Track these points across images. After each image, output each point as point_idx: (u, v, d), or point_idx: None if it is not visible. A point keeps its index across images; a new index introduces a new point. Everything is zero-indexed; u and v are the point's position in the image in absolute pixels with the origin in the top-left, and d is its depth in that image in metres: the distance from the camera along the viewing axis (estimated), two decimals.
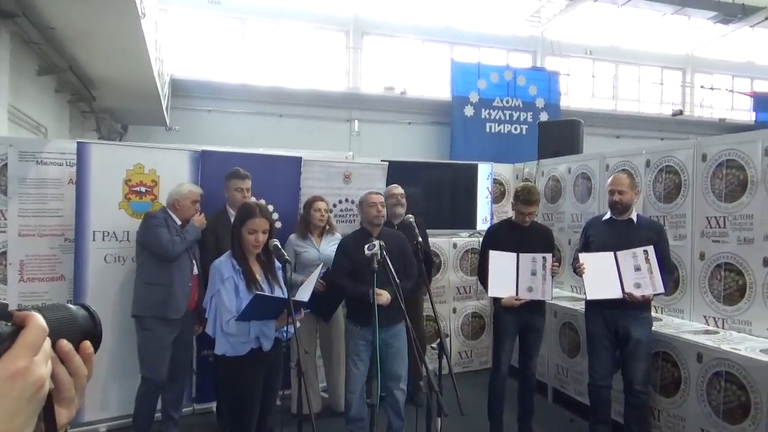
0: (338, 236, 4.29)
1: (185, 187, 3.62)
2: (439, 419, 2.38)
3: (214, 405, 4.18)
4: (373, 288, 2.53)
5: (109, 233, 3.84)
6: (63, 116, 7.14)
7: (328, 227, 4.20)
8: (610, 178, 3.64)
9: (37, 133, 5.80)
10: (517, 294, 3.63)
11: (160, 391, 3.53)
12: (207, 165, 4.20)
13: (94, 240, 3.83)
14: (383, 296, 3.27)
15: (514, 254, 3.66)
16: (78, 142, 3.80)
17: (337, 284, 3.66)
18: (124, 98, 8.17)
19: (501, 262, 3.66)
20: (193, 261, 3.58)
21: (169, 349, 3.49)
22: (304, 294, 2.69)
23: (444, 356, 2.69)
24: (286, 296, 2.55)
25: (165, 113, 9.72)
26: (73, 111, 7.68)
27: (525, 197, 3.67)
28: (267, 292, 2.65)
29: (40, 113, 5.93)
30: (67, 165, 4.10)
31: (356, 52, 13.69)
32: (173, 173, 3.74)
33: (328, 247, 4.14)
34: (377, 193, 3.63)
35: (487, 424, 3.85)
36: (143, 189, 3.92)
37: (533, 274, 3.63)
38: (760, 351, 3.15)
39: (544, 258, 3.63)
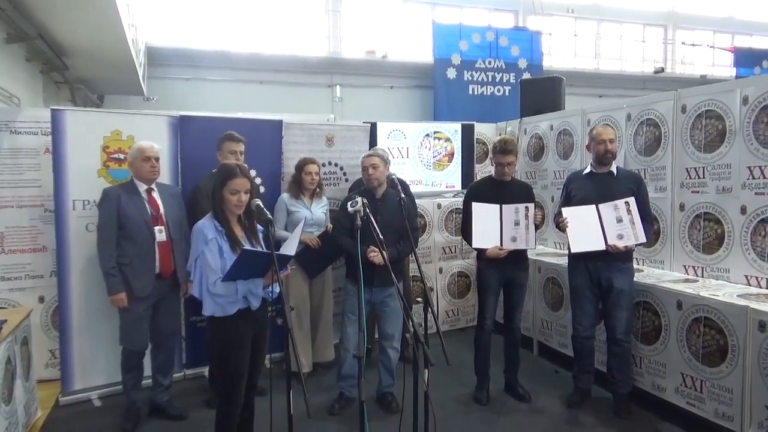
0: (325, 200, 4.33)
1: (134, 146, 3.50)
2: (426, 371, 2.41)
3: (205, 370, 4.22)
4: (357, 244, 2.54)
5: (89, 201, 3.79)
6: (36, 86, 6.93)
7: (318, 190, 4.22)
8: (596, 131, 3.65)
9: (10, 103, 5.62)
10: (501, 244, 3.68)
11: (141, 359, 3.52)
12: (186, 130, 4.14)
13: (74, 209, 3.78)
14: (377, 255, 3.30)
15: (497, 205, 3.69)
16: (52, 110, 3.71)
17: (334, 243, 3.70)
18: (98, 67, 7.91)
19: (484, 214, 3.69)
20: (154, 228, 3.41)
21: (144, 321, 3.46)
22: (289, 248, 2.69)
23: (429, 310, 2.71)
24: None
25: (142, 82, 9.48)
26: (47, 81, 7.45)
27: (501, 147, 3.71)
28: None
29: (12, 83, 5.75)
30: (42, 134, 4.04)
31: (336, 15, 13.41)
32: (152, 139, 3.67)
33: (318, 209, 4.20)
34: (369, 156, 3.68)
35: (475, 379, 3.94)
36: (122, 156, 3.85)
37: (516, 224, 3.67)
38: (738, 296, 3.24)
39: (526, 208, 3.66)
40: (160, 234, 3.44)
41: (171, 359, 3.73)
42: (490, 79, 13.67)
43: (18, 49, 6.00)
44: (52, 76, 7.65)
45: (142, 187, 3.46)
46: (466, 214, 3.84)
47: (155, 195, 3.50)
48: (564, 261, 4.11)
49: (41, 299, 4.17)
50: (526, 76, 13.04)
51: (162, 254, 3.45)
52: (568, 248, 3.66)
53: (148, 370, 3.67)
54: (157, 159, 3.46)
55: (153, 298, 3.45)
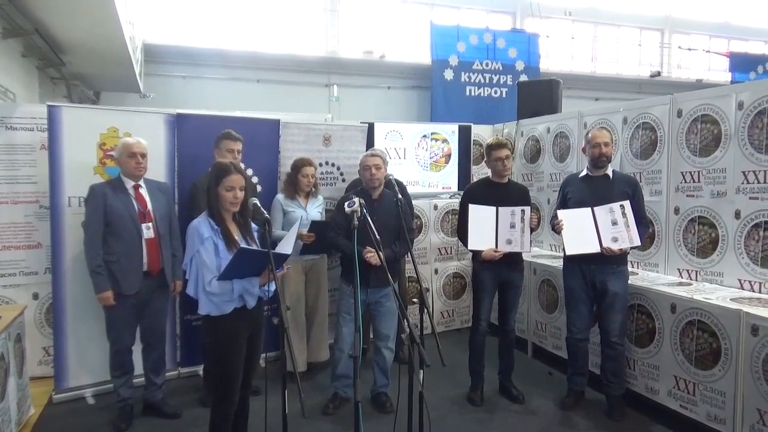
0: (321, 199, 4.33)
1: (120, 142, 3.50)
2: (421, 371, 2.42)
3: (199, 368, 4.21)
4: (354, 244, 2.54)
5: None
6: (32, 82, 6.91)
7: (313, 189, 4.22)
8: (591, 134, 3.67)
9: (5, 99, 5.61)
10: (496, 247, 3.69)
11: (129, 356, 3.51)
12: (183, 128, 4.13)
13: (69, 206, 3.77)
14: (373, 256, 3.31)
15: (493, 207, 3.70)
16: (48, 106, 3.70)
17: (328, 238, 3.69)
18: (95, 63, 7.90)
19: (480, 216, 3.70)
20: (142, 225, 3.41)
21: (131, 318, 3.46)
22: (285, 247, 2.68)
23: (425, 310, 2.71)
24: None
25: (138, 79, 9.46)
26: (42, 77, 7.43)
27: (495, 142, 3.77)
28: None
29: (7, 78, 5.73)
30: (38, 130, 4.03)
31: (333, 15, 13.41)
32: (148, 137, 3.66)
33: (314, 209, 4.20)
34: (372, 155, 3.65)
35: (469, 379, 3.95)
36: None
37: (512, 227, 3.68)
38: (731, 300, 3.26)
39: (522, 211, 3.67)
40: (147, 231, 3.43)
41: (162, 358, 3.71)
42: (487, 81, 13.70)
43: (14, 45, 5.98)
44: (48, 72, 7.64)
45: (129, 184, 3.44)
46: (462, 215, 3.84)
47: (143, 191, 3.49)
48: (559, 263, 4.13)
49: (35, 296, 4.16)
50: (523, 78, 13.07)
51: (150, 251, 3.44)
52: (563, 250, 3.68)
53: (140, 368, 3.66)
54: (143, 155, 3.45)
55: (141, 296, 3.44)
